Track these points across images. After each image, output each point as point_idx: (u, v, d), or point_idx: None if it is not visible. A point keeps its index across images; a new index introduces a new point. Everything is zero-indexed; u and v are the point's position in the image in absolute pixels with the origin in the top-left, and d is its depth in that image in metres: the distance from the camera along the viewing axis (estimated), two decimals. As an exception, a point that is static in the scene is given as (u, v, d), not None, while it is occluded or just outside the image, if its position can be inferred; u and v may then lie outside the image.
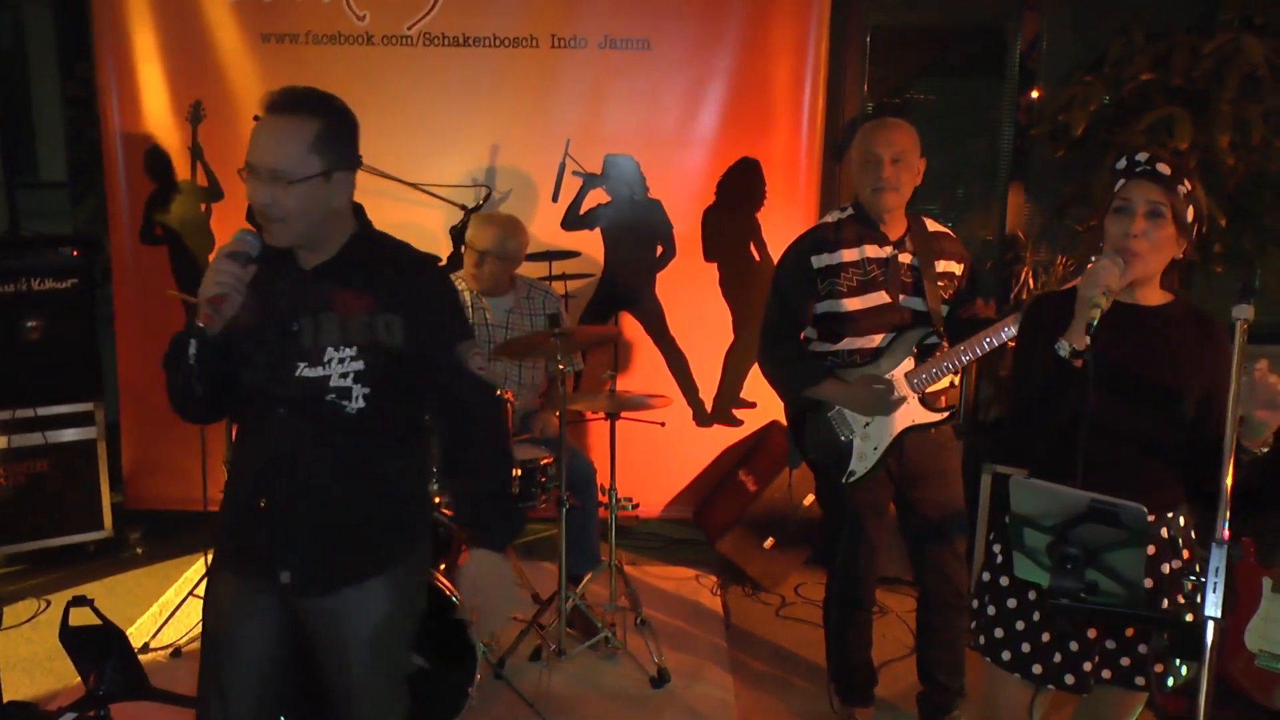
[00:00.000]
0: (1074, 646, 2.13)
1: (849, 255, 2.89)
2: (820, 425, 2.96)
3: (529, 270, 3.89)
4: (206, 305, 1.83)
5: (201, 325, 1.83)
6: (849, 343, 2.92)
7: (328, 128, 1.88)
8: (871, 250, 2.89)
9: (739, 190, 4.37)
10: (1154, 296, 2.15)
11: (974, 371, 4.28)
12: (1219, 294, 3.83)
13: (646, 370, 4.48)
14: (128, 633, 2.79)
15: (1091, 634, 2.12)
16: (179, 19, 4.24)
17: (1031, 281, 4.43)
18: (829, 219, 2.97)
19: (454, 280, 3.76)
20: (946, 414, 2.95)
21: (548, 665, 3.45)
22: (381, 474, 2.01)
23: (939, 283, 2.92)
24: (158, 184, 4.38)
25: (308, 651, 2.06)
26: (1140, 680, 2.13)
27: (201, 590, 2.73)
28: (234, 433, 2.07)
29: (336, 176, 1.90)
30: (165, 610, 3.71)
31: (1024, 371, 2.21)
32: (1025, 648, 2.17)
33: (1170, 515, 2.15)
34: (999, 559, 2.24)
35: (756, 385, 4.44)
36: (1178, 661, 2.12)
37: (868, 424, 2.91)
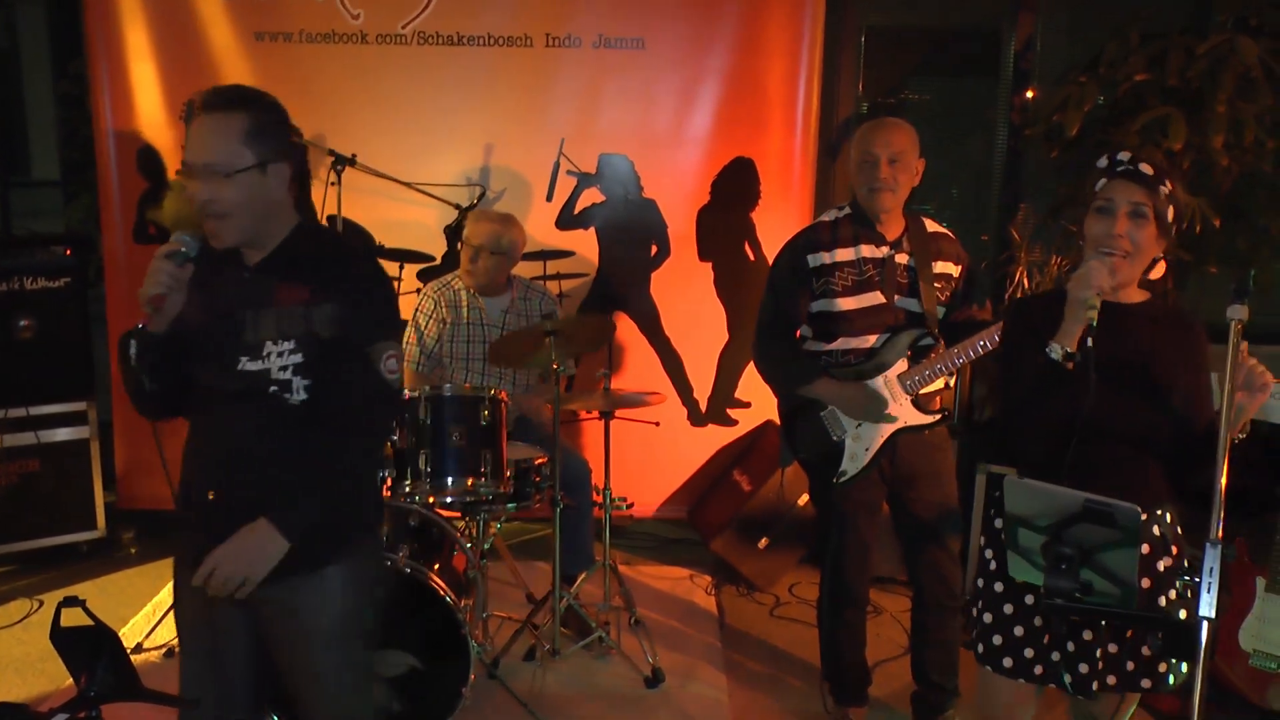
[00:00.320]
0: (1070, 647, 2.12)
1: (844, 254, 2.88)
2: (812, 424, 2.95)
3: (523, 270, 3.89)
4: (147, 305, 1.91)
5: (142, 325, 1.92)
6: (843, 342, 2.92)
7: (257, 121, 1.91)
8: (868, 250, 2.88)
9: (734, 190, 4.37)
10: (1135, 295, 2.17)
11: (968, 371, 4.28)
12: (1213, 294, 3.84)
13: (641, 370, 4.48)
14: (120, 633, 2.78)
15: (1088, 636, 2.11)
16: (172, 17, 4.23)
17: (1026, 281, 4.44)
18: (826, 218, 2.97)
19: (443, 281, 3.76)
20: (939, 416, 2.95)
21: (542, 665, 3.44)
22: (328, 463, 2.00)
23: (935, 284, 2.91)
24: (151, 183, 4.37)
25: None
26: (1147, 683, 2.12)
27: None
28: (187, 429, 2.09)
29: (272, 168, 1.94)
30: (158, 610, 3.70)
31: (1013, 375, 2.21)
32: (1029, 653, 2.16)
33: (1159, 513, 2.16)
34: (992, 564, 2.23)
35: (751, 385, 4.44)
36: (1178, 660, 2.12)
37: (859, 425, 2.91)
